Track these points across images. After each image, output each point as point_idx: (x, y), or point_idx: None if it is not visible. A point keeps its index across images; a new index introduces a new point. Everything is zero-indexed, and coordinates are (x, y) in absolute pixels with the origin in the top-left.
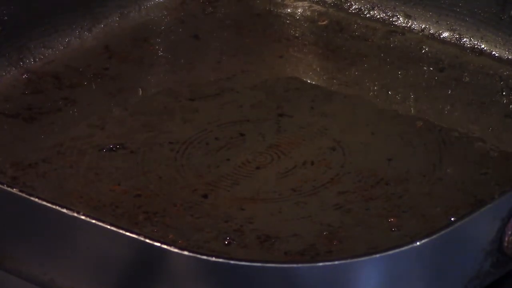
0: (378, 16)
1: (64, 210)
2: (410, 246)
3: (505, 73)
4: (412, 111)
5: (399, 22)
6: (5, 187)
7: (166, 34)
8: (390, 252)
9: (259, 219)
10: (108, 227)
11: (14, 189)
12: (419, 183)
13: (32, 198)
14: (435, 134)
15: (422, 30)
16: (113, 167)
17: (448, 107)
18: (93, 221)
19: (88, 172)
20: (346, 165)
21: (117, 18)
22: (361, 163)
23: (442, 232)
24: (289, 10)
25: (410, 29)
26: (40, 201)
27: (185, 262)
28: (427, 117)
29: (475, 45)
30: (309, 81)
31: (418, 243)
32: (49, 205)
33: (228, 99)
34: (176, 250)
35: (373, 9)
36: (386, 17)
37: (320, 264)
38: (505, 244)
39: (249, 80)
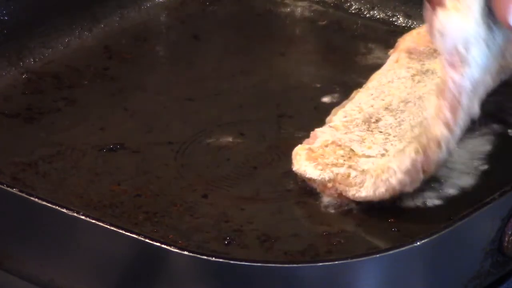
0: (378, 16)
1: (64, 210)
2: (410, 246)
3: None
4: None
5: (399, 22)
6: (5, 187)
7: (166, 34)
8: (390, 252)
9: (259, 219)
10: (108, 227)
11: (14, 189)
12: None
13: (32, 198)
14: None
15: None
16: (113, 167)
17: None
18: (93, 221)
19: (88, 172)
20: None
21: (117, 18)
22: None
23: (442, 232)
24: (289, 10)
25: (410, 29)
26: (40, 201)
27: (185, 262)
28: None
29: None
30: (309, 81)
31: (418, 243)
32: (49, 205)
33: (228, 99)
34: (176, 250)
35: (373, 9)
36: (386, 17)
37: (320, 264)
38: (505, 244)
39: (249, 80)
